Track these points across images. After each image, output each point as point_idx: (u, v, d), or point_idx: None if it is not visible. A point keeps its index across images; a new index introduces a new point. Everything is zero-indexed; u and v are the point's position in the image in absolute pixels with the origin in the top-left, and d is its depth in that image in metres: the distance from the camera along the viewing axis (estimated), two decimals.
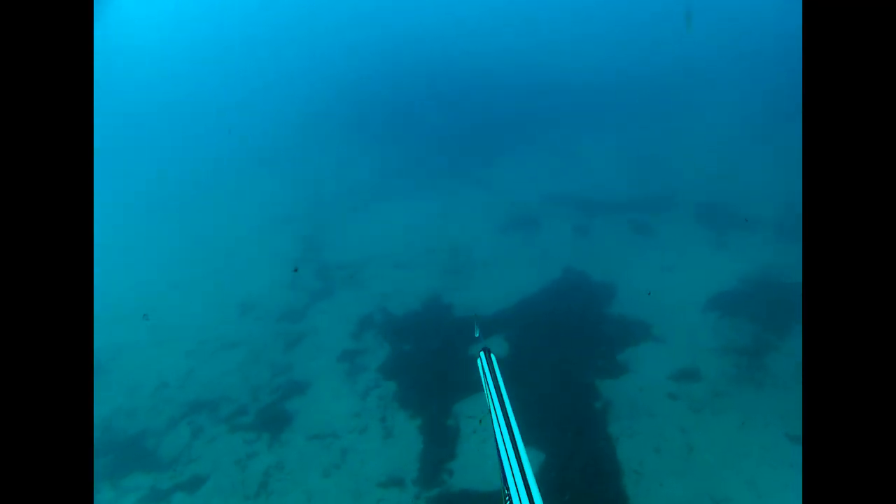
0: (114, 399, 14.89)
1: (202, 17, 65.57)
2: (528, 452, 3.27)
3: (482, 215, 21.33)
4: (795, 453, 10.92)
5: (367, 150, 29.94)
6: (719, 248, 17.52)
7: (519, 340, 14.45)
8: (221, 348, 16.27)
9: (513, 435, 3.25)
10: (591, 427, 11.86)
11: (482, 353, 3.98)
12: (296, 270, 19.24)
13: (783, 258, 16.33)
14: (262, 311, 17.78)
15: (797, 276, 15.55)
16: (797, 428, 11.39)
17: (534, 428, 11.75)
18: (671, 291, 15.73)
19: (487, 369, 3.83)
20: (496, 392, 3.65)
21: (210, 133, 35.83)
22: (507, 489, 2.96)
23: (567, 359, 13.65)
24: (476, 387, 12.12)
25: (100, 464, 12.89)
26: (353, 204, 24.05)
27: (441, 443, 12.09)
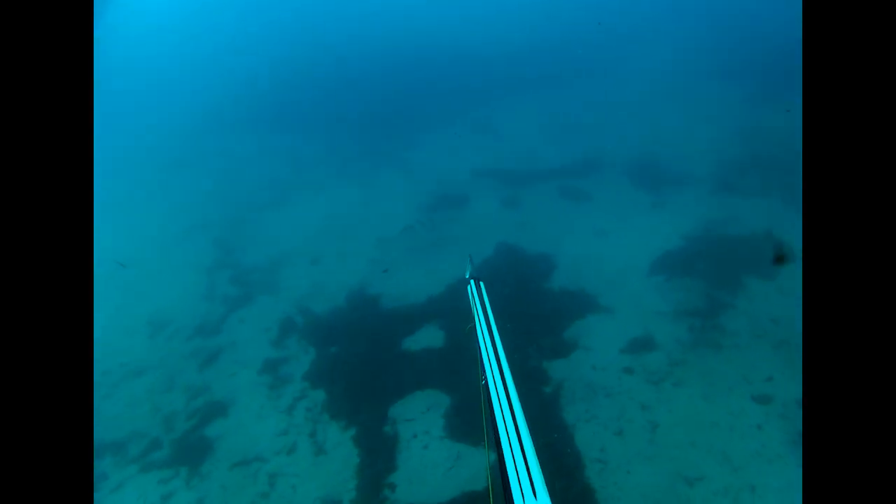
0: None
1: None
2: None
3: (405, 198, 19.89)
4: (763, 415, 10.03)
5: (278, 142, 28.06)
6: (656, 208, 16.64)
7: (454, 328, 13.13)
8: (128, 377, 14.40)
9: (494, 341, 3.78)
10: (543, 415, 10.68)
11: (472, 281, 4.04)
12: None
13: (723, 211, 15.59)
14: (174, 329, 15.93)
15: (741, 228, 14.82)
16: (762, 387, 10.52)
17: (478, 427, 10.51)
18: (612, 257, 14.74)
19: (476, 294, 3.99)
20: (482, 310, 3.81)
21: (105, 136, 33.04)
22: (484, 375, 3.50)
23: (509, 341, 12.43)
24: (412, 387, 10.60)
25: None
26: (267, 201, 22.23)
27: (379, 454, 10.69)
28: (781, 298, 12.44)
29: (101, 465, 11.89)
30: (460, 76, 31.16)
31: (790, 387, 10.41)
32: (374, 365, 12.65)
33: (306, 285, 16.19)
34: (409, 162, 22.69)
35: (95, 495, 11.23)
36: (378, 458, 10.61)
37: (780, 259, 13.37)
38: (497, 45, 33.98)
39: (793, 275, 13.02)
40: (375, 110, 29.33)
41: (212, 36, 50.50)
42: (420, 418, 11.09)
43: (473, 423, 10.63)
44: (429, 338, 12.99)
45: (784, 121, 18.57)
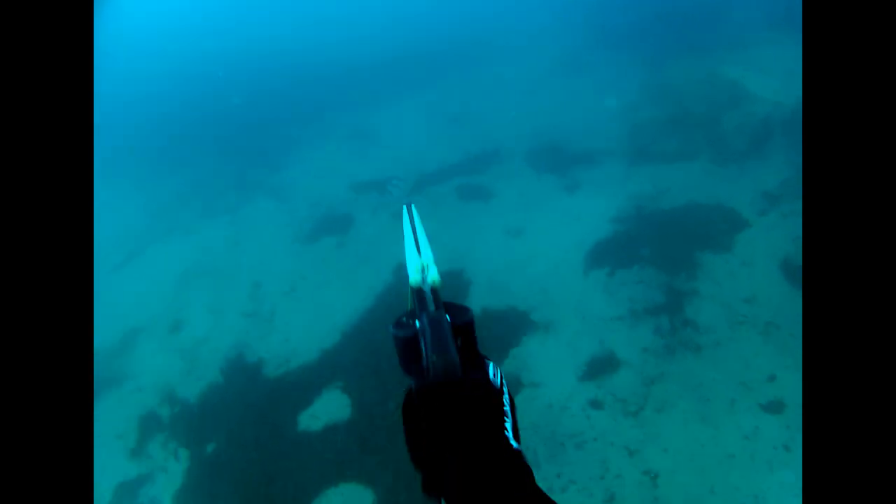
0: None
1: None
2: None
3: (282, 229, 16.55)
4: (784, 429, 7.66)
5: (129, 189, 23.95)
6: (572, 192, 14.29)
7: (360, 390, 10.02)
8: None
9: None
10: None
11: (404, 207, 3.41)
12: None
13: (650, 184, 13.41)
14: None
15: (674, 199, 12.68)
16: (768, 391, 8.20)
17: None
18: (536, 258, 12.19)
19: (407, 216, 3.40)
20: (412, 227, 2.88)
21: None
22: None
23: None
24: (321, 484, 7.31)
25: None
26: (116, 261, 18.31)
27: None
28: (747, 271, 10.28)
29: None
30: (324, 83, 28.10)
31: (799, 383, 8.11)
32: (267, 460, 9.38)
33: (170, 361, 12.65)
34: (285, 186, 19.34)
35: None
36: None
37: None
38: (363, 47, 31.19)
39: (749, 240, 10.91)
40: (230, 131, 25.70)
41: None
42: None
43: None
44: (331, 408, 9.80)
45: (692, 73, 16.79)
